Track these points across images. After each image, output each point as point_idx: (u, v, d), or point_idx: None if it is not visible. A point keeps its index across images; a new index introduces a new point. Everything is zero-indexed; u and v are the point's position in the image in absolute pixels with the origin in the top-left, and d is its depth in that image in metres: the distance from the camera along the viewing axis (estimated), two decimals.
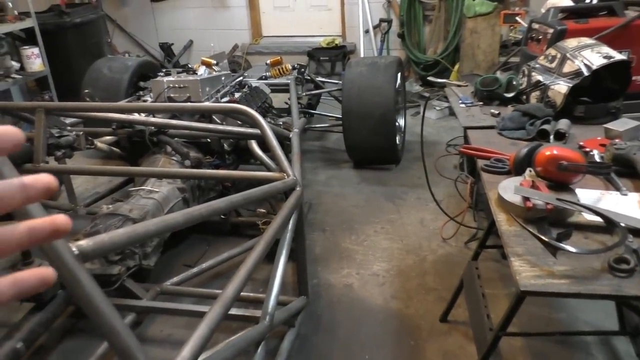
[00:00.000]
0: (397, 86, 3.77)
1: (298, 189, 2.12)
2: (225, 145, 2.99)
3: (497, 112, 2.21)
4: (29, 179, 0.39)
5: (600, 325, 2.24)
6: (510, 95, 2.31)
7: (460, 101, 2.41)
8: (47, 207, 2.41)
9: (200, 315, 2.19)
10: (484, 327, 1.81)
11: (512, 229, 1.36)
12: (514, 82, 2.31)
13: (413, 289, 2.58)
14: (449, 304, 2.31)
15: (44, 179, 0.39)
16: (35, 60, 4.70)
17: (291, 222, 2.09)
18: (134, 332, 2.29)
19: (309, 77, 4.29)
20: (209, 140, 2.98)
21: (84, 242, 1.03)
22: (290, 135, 2.85)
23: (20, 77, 4.60)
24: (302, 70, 4.15)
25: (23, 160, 2.43)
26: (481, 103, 2.36)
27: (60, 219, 0.39)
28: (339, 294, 2.57)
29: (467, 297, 2.15)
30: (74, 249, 1.00)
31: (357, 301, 2.53)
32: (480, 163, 1.75)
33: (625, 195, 1.49)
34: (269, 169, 2.52)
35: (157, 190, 2.60)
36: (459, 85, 2.66)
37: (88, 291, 1.00)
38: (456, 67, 5.23)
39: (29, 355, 1.99)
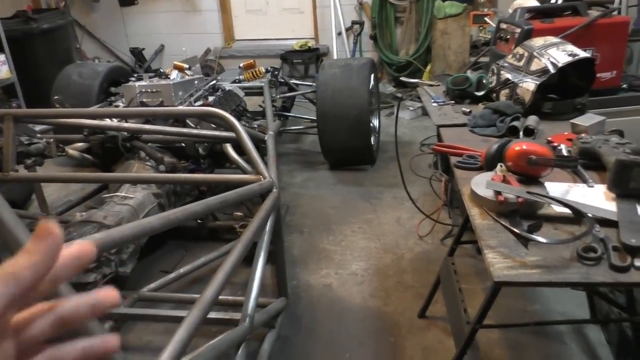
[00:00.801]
0: (370, 87, 3.81)
1: (275, 190, 2.12)
2: (200, 150, 2.98)
3: (468, 110, 2.25)
4: (99, 296, 0.41)
5: (573, 315, 2.30)
6: (481, 93, 2.36)
7: (432, 100, 2.45)
8: (20, 216, 2.35)
9: (180, 320, 2.18)
10: (461, 321, 1.84)
11: (485, 222, 1.39)
12: (484, 81, 2.37)
13: (391, 286, 2.61)
14: (427, 300, 2.35)
15: (112, 297, 0.41)
16: (1, 67, 4.59)
17: (269, 224, 2.09)
18: None
19: (282, 80, 4.30)
20: (183, 144, 2.96)
21: None
22: (266, 138, 2.85)
23: None
24: (276, 73, 4.17)
25: None
26: (453, 102, 2.41)
27: (112, 340, 0.42)
28: (319, 294, 2.58)
29: (444, 292, 2.18)
30: None
31: (337, 301, 2.54)
32: (454, 160, 1.78)
33: (592, 187, 1.54)
34: (244, 172, 2.52)
35: (131, 196, 2.57)
36: (431, 85, 2.71)
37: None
38: (428, 67, 5.31)
39: None
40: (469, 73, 2.54)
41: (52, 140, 2.66)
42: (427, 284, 2.48)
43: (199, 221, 2.95)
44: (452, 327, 2.01)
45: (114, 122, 2.74)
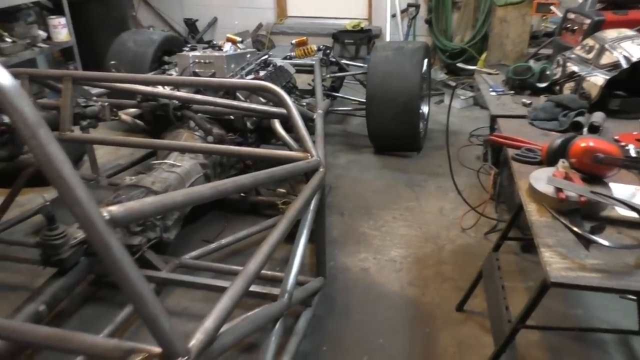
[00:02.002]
0: (423, 73, 3.71)
1: (321, 170, 2.11)
2: (248, 124, 2.98)
3: (528, 101, 2.15)
4: None
5: (618, 324, 2.21)
6: (543, 85, 2.25)
7: (490, 89, 2.36)
8: None
9: (218, 289, 2.24)
10: (503, 318, 1.79)
11: (543, 219, 1.33)
12: (548, 72, 2.26)
13: (430, 277, 2.56)
14: (466, 294, 2.30)
15: None
16: (61, 30, 4.71)
17: (313, 202, 2.08)
18: None
19: (333, 59, 4.24)
20: (232, 117, 2.97)
21: (114, 208, 1.03)
22: (314, 117, 2.83)
23: (47, 46, 4.62)
24: (328, 51, 4.11)
25: (50, 128, 2.45)
26: (512, 92, 2.31)
27: None
28: (355, 278, 2.57)
29: (486, 288, 2.13)
30: (104, 214, 1.00)
31: (373, 285, 2.52)
32: (511, 152, 1.71)
33: None
34: (290, 150, 2.51)
35: (179, 164, 2.60)
36: (489, 73, 2.61)
37: (117, 256, 1.00)
38: (483, 56, 5.12)
39: (50, 319, 2.02)
40: (531, 63, 2.43)
41: (106, 104, 2.71)
42: (466, 277, 2.43)
43: (242, 195, 2.98)
44: (492, 324, 1.96)
45: (166, 90, 2.77)
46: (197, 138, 2.82)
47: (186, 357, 1.06)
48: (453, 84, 4.82)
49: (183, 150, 2.65)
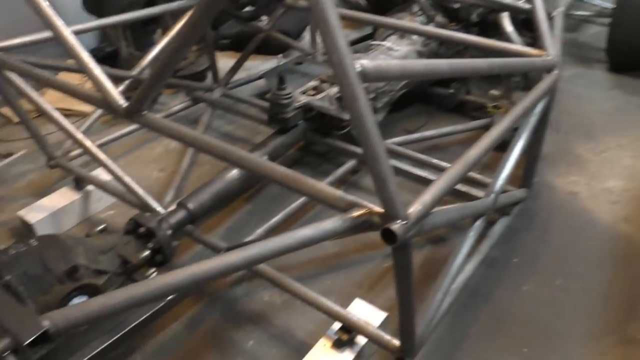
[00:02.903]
0: None
1: (556, 71, 1.88)
2: (473, 15, 2.76)
3: None
4: None
5: None
6: None
7: None
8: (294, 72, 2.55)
9: (416, 178, 2.26)
10: None
11: None
12: None
13: None
14: None
15: None
16: None
17: (539, 107, 1.89)
18: (352, 178, 2.47)
19: None
20: (457, 6, 2.76)
21: (366, 62, 1.04)
22: (553, 14, 2.49)
23: None
24: None
25: None
26: None
27: None
28: (561, 199, 2.36)
29: None
30: (357, 65, 1.02)
31: (580, 212, 2.29)
32: None
33: None
34: None
35: (396, 48, 2.56)
36: None
37: (362, 109, 1.02)
38: None
39: None
40: None
41: None
42: None
43: (450, 91, 2.86)
44: None
45: None
46: (419, 23, 2.72)
47: (405, 222, 1.09)
48: None
49: (406, 32, 2.57)
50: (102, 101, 1.56)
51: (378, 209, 1.13)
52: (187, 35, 1.28)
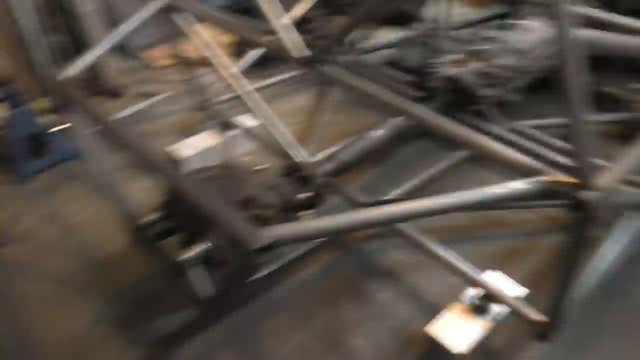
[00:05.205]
0: None
1: None
2: None
3: None
4: None
5: None
6: None
7: None
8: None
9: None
10: None
11: None
12: None
13: None
14: None
15: None
16: None
17: None
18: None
19: None
20: None
21: (586, 32, 1.05)
22: None
23: None
24: None
25: None
26: None
27: None
28: None
29: None
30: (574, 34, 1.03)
31: None
32: None
33: None
34: None
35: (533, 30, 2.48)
36: None
37: (576, 78, 1.04)
38: None
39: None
40: None
41: None
42: None
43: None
44: None
45: None
46: None
47: (601, 193, 1.09)
48: None
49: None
50: (282, 48, 1.65)
51: (569, 178, 1.14)
52: None
